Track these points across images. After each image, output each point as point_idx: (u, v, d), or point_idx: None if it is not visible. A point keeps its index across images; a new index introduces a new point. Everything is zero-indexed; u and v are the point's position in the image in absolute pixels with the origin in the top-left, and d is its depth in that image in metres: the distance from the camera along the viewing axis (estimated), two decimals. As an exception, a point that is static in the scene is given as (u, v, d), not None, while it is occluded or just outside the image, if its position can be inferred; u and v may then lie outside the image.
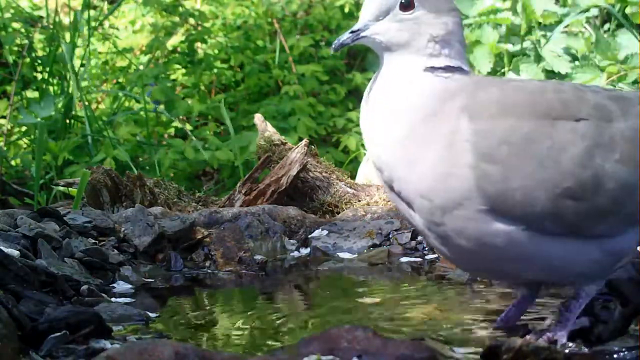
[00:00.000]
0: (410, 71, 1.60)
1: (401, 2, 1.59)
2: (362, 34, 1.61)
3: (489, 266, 1.61)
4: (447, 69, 1.60)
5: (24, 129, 4.06)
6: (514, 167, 1.50)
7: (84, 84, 4.18)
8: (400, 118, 1.57)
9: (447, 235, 1.56)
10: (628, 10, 4.07)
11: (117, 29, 5.14)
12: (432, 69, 1.60)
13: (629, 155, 1.52)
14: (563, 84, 1.64)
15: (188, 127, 4.31)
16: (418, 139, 1.55)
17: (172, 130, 4.43)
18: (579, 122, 1.53)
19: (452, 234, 1.55)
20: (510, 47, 4.05)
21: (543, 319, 1.73)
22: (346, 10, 4.92)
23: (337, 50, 1.65)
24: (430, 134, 1.54)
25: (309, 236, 2.48)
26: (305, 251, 2.43)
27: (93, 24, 4.53)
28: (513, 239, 1.52)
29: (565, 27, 4.09)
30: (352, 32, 1.62)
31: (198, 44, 4.85)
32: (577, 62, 3.91)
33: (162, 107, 4.24)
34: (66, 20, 4.48)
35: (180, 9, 4.85)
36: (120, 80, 4.65)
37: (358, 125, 4.38)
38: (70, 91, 3.99)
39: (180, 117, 4.35)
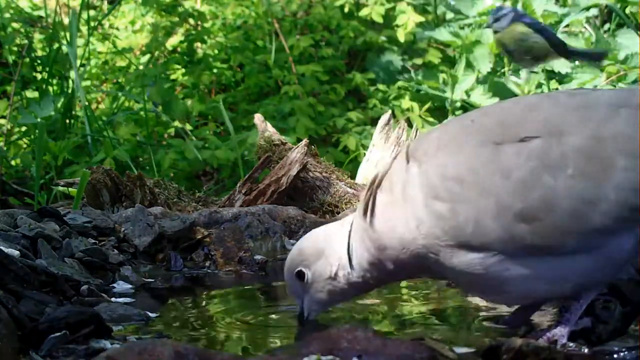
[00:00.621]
0: None
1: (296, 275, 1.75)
2: (310, 318, 1.79)
3: (486, 291, 1.62)
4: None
5: (24, 129, 4.06)
6: (459, 201, 1.51)
7: (84, 84, 4.18)
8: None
9: (440, 271, 1.61)
10: (628, 10, 4.08)
11: (117, 29, 5.14)
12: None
13: (585, 169, 1.48)
14: (520, 101, 1.64)
15: (188, 127, 4.31)
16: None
17: (172, 130, 4.43)
18: (522, 143, 1.50)
19: (440, 267, 1.59)
20: (510, 47, 4.05)
21: (544, 318, 1.73)
22: (346, 10, 4.92)
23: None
24: (392, 201, 1.61)
25: (309, 236, 2.48)
26: (305, 251, 2.43)
27: (93, 23, 4.53)
28: (490, 266, 1.53)
29: (565, 27, 4.09)
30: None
31: (198, 44, 4.84)
32: (577, 62, 3.91)
33: (159, 108, 4.24)
34: (66, 20, 4.48)
35: (180, 9, 4.85)
36: (120, 80, 4.65)
37: (358, 125, 4.40)
38: (70, 91, 3.99)
39: (178, 118, 4.35)
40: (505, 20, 3.36)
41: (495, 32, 3.41)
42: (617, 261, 1.55)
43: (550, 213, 1.48)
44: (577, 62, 3.91)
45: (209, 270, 2.29)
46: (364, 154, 3.28)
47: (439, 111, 4.47)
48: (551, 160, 1.48)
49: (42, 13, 4.87)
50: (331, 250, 1.72)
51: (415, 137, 3.15)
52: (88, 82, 4.60)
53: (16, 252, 1.94)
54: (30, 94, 4.35)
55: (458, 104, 4.26)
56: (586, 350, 1.55)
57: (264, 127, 3.10)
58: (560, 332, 1.56)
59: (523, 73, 3.83)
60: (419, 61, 4.78)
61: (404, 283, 2.19)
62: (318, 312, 1.78)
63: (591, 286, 1.58)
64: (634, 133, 1.48)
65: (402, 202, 1.58)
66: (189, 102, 4.51)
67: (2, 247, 1.89)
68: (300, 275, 1.74)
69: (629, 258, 1.56)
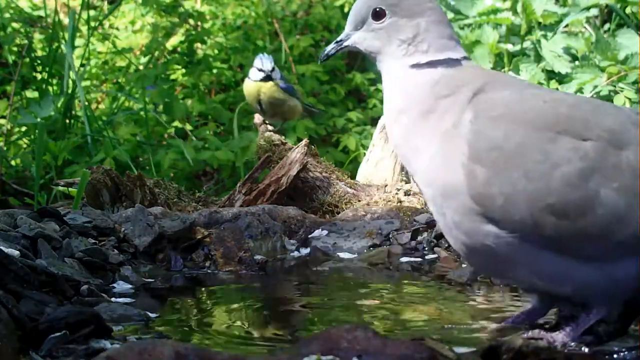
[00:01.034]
0: (393, 72, 1.67)
1: (373, 13, 1.67)
2: (344, 44, 1.73)
3: (489, 265, 1.62)
4: (431, 63, 1.64)
5: (24, 129, 4.07)
6: (500, 173, 1.50)
7: (84, 84, 4.18)
8: (400, 115, 1.63)
9: (450, 225, 1.59)
10: (628, 10, 4.08)
11: (117, 29, 5.14)
12: (415, 66, 1.65)
13: (629, 187, 1.48)
14: (591, 102, 1.62)
15: (188, 127, 4.31)
16: (419, 131, 1.60)
17: (172, 130, 4.43)
18: (583, 142, 1.50)
19: (452, 225, 1.58)
20: (510, 47, 4.05)
21: (546, 320, 1.73)
22: (346, 10, 4.92)
23: (323, 61, 1.79)
24: (430, 126, 1.59)
25: (309, 236, 2.48)
26: (305, 251, 2.43)
27: (93, 23, 4.53)
28: (501, 242, 1.53)
29: (565, 27, 4.09)
30: (336, 42, 1.74)
31: (198, 44, 4.85)
32: (577, 62, 3.91)
33: (160, 108, 4.24)
34: (66, 20, 4.48)
35: (180, 9, 4.85)
36: (120, 80, 4.65)
37: (358, 125, 4.41)
38: (70, 91, 3.99)
39: (178, 118, 4.35)
40: (276, 75, 3.44)
41: (271, 79, 3.43)
42: (622, 283, 1.53)
43: (582, 216, 1.48)
44: (577, 62, 3.92)
45: (209, 270, 2.29)
46: (364, 154, 3.28)
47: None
48: (603, 168, 1.49)
49: (42, 13, 4.87)
50: (423, 23, 1.66)
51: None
52: (88, 82, 4.60)
53: (16, 252, 1.94)
54: (30, 94, 4.36)
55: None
56: (586, 350, 1.55)
57: (264, 127, 3.10)
58: (562, 340, 1.56)
59: None
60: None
61: (403, 283, 2.19)
62: (352, 48, 1.72)
63: (592, 297, 1.57)
64: None
65: (440, 140, 1.56)
66: (189, 102, 4.51)
67: (2, 247, 1.89)
68: (379, 14, 1.67)
69: (632, 285, 1.54)
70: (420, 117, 1.61)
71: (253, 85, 3.40)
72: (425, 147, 1.59)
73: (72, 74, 4.04)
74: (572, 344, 1.57)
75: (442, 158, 1.56)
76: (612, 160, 1.49)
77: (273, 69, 3.42)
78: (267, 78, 3.39)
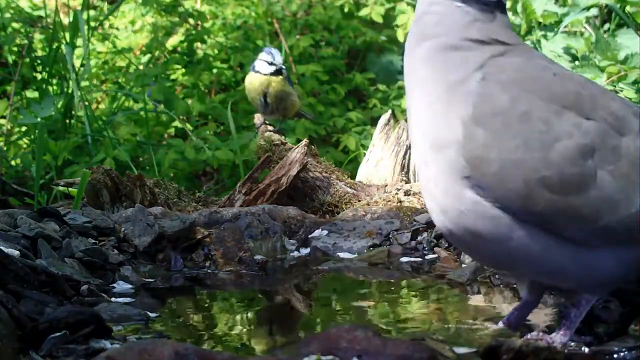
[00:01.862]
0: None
1: None
2: None
3: (459, 237, 1.56)
4: (493, 4, 1.58)
5: (24, 129, 4.06)
6: (500, 139, 1.46)
7: (84, 84, 4.18)
8: (424, 39, 1.57)
9: (430, 179, 1.54)
10: (628, 9, 4.07)
11: (117, 29, 5.14)
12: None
13: (624, 173, 1.47)
14: (598, 85, 1.59)
15: (188, 127, 4.31)
16: (432, 65, 1.55)
17: (172, 130, 4.43)
18: (586, 120, 1.48)
19: (433, 180, 1.54)
20: (510, 47, 4.04)
21: (542, 318, 1.73)
22: (346, 10, 4.92)
23: None
24: (444, 67, 1.54)
25: (309, 236, 2.48)
26: (305, 251, 2.43)
27: (93, 24, 4.53)
28: (479, 212, 1.49)
29: (565, 27, 4.09)
30: None
31: (198, 44, 4.85)
32: (577, 62, 3.91)
33: (161, 106, 4.24)
34: (66, 20, 4.48)
35: (180, 9, 4.85)
36: (120, 80, 4.65)
37: (358, 125, 4.41)
38: (70, 91, 3.99)
39: (180, 117, 4.35)
40: (275, 68, 3.39)
41: (281, 73, 3.38)
42: (604, 271, 1.52)
43: (575, 194, 1.45)
44: (577, 62, 3.92)
45: (209, 270, 2.29)
46: (364, 154, 3.28)
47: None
48: (602, 149, 1.46)
49: (42, 13, 4.87)
50: None
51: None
52: (88, 82, 4.59)
53: (16, 252, 1.94)
54: (31, 94, 4.36)
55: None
56: (586, 350, 1.55)
57: (264, 128, 3.10)
58: (560, 340, 1.55)
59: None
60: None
61: (403, 283, 2.19)
62: None
63: (576, 282, 1.55)
64: None
65: (445, 88, 1.53)
66: (189, 101, 4.51)
67: (2, 247, 1.89)
68: None
69: (617, 274, 1.52)
70: (441, 50, 1.55)
71: (261, 78, 3.37)
72: (431, 86, 1.54)
73: (72, 74, 4.04)
74: (572, 343, 1.57)
75: (442, 110, 1.52)
76: (612, 144, 1.48)
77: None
78: (278, 72, 3.37)
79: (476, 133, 1.48)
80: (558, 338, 1.55)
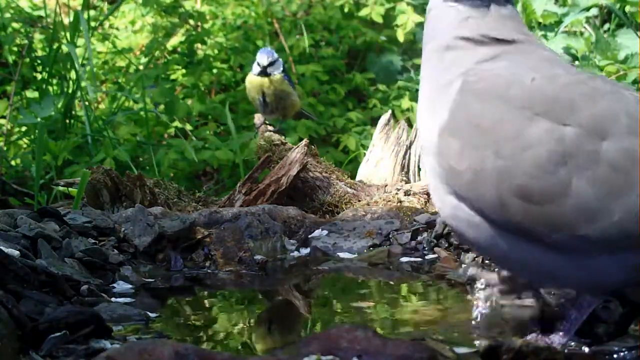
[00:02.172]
0: (432, 1, 1.61)
1: None
2: None
3: (459, 234, 1.57)
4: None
5: (24, 129, 4.07)
6: (472, 149, 1.45)
7: (84, 84, 4.18)
8: (425, 45, 1.60)
9: (430, 187, 1.57)
10: (627, 10, 4.08)
11: (117, 29, 5.14)
12: None
13: (603, 179, 1.40)
14: (591, 84, 1.49)
15: (188, 127, 4.31)
16: (430, 64, 1.58)
17: (172, 130, 4.43)
18: (561, 126, 1.42)
19: (430, 185, 1.57)
20: (510, 47, 4.04)
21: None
22: (346, 10, 4.93)
23: None
24: (440, 66, 1.56)
25: (309, 236, 2.48)
26: (305, 251, 2.43)
27: (93, 24, 4.53)
28: (464, 218, 1.49)
29: (565, 27, 4.09)
30: None
31: (198, 45, 4.85)
32: (577, 62, 3.91)
33: (161, 107, 4.24)
34: (66, 20, 4.48)
35: (180, 9, 4.85)
36: (120, 80, 4.65)
37: (358, 125, 4.41)
38: (70, 91, 3.99)
39: (180, 118, 4.35)
40: (277, 68, 3.39)
41: (267, 75, 3.38)
42: (599, 278, 1.48)
43: (550, 203, 1.41)
44: (577, 62, 3.92)
45: (209, 270, 2.29)
46: (364, 154, 3.28)
47: (439, 111, 4.46)
48: (578, 156, 1.40)
49: (42, 13, 4.87)
50: None
51: (415, 137, 3.15)
52: (88, 82, 4.59)
53: (16, 252, 1.94)
54: (31, 94, 4.35)
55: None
56: (586, 350, 1.55)
57: (264, 128, 3.10)
58: (559, 341, 1.55)
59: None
60: (419, 61, 4.78)
61: (403, 283, 2.19)
62: None
63: (584, 289, 1.53)
64: None
65: (435, 86, 1.54)
66: (189, 102, 4.52)
67: (2, 247, 1.89)
68: None
69: (613, 282, 1.48)
70: (438, 50, 1.56)
71: (258, 78, 3.38)
72: (427, 87, 1.56)
73: (73, 74, 4.05)
74: (572, 343, 1.57)
75: (427, 115, 1.53)
76: (589, 149, 1.41)
77: (270, 64, 3.39)
78: (264, 73, 3.38)
79: (450, 143, 1.48)
80: (557, 339, 1.55)
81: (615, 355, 1.52)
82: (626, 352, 1.52)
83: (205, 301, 2.07)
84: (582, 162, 1.41)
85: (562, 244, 1.43)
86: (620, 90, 1.50)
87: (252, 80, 3.39)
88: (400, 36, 4.68)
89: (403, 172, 3.07)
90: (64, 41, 4.10)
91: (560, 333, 1.55)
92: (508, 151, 1.43)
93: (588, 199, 1.40)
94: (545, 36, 4.01)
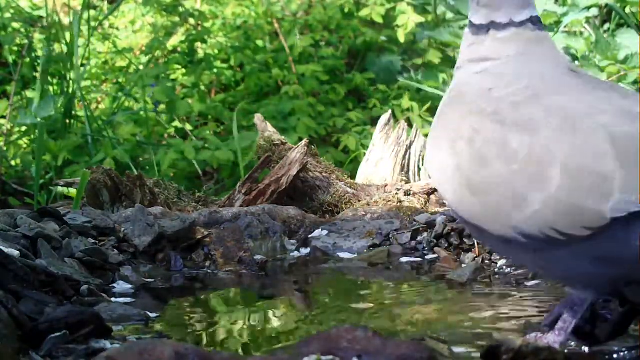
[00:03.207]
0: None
1: None
2: None
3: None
4: (475, 26, 1.66)
5: (24, 129, 4.06)
6: (437, 149, 1.60)
7: (84, 84, 4.18)
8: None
9: None
10: (628, 10, 4.07)
11: (117, 29, 5.14)
12: (470, 25, 1.67)
13: (527, 170, 1.47)
14: (549, 83, 1.58)
15: (188, 127, 4.31)
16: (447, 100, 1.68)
17: (172, 130, 4.43)
18: (503, 127, 1.51)
19: None
20: (510, 47, 4.04)
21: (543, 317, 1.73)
22: (346, 10, 4.92)
23: None
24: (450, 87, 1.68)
25: (309, 236, 2.48)
26: (305, 251, 2.43)
27: (93, 24, 4.53)
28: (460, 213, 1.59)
29: (565, 27, 4.09)
30: None
31: (198, 44, 4.84)
32: (577, 62, 3.91)
33: (162, 106, 4.24)
34: (66, 20, 4.48)
35: (180, 9, 4.84)
36: (120, 80, 4.65)
37: (358, 125, 4.40)
38: (70, 91, 3.99)
39: (181, 117, 4.35)
40: None
41: None
42: (567, 270, 1.52)
43: (485, 195, 1.50)
44: (577, 62, 3.92)
45: (209, 270, 2.29)
46: (364, 154, 3.28)
47: (439, 111, 4.46)
48: (508, 148, 1.49)
49: (42, 13, 4.87)
50: None
51: (415, 136, 3.15)
52: (88, 82, 4.59)
53: (16, 252, 1.94)
54: (31, 94, 4.35)
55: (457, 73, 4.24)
56: (586, 350, 1.55)
57: (264, 127, 3.10)
58: (554, 340, 1.56)
59: None
60: (419, 61, 4.78)
61: (403, 283, 2.19)
62: None
63: (567, 283, 1.57)
64: (589, 159, 1.43)
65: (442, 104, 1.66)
66: (189, 101, 4.51)
67: (2, 247, 1.89)
68: None
69: (584, 274, 1.51)
70: (455, 69, 1.70)
71: None
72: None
73: (72, 74, 4.05)
74: (573, 343, 1.57)
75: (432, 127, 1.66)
76: (517, 140, 1.48)
77: None
78: None
79: (430, 146, 1.62)
80: (552, 338, 1.55)
81: (615, 355, 1.52)
82: (626, 352, 1.52)
83: (205, 301, 2.07)
84: (510, 155, 1.48)
85: (507, 237, 1.50)
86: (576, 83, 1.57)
87: None
88: (401, 36, 4.68)
89: (403, 172, 3.07)
90: (64, 41, 4.10)
91: (555, 332, 1.56)
92: (460, 150, 1.54)
93: (514, 189, 1.47)
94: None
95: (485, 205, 1.51)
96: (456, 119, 1.57)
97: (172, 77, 4.69)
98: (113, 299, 1.97)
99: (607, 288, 1.54)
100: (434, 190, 2.78)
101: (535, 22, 1.64)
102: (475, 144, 1.52)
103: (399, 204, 2.72)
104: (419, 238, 2.44)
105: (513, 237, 1.49)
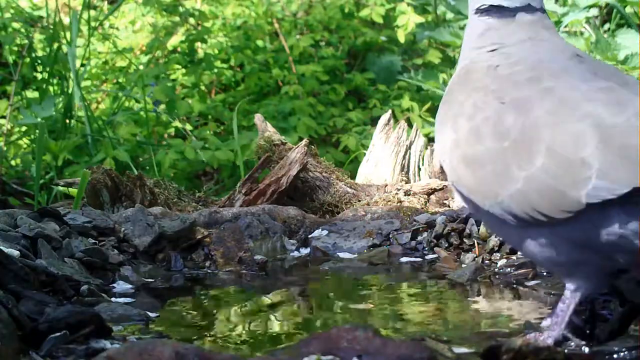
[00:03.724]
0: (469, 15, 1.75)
1: None
2: None
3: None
4: (484, 10, 1.70)
5: (24, 129, 4.06)
6: (441, 124, 1.67)
7: (84, 84, 4.18)
8: (460, 62, 1.77)
9: None
10: (628, 10, 4.07)
11: (117, 29, 5.14)
12: (477, 10, 1.71)
13: (516, 148, 1.51)
14: (546, 68, 1.61)
15: (188, 127, 4.31)
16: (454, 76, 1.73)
17: (172, 130, 4.43)
18: (499, 104, 1.56)
19: None
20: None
21: (542, 317, 1.73)
22: (346, 10, 4.92)
23: None
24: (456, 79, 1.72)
25: (309, 236, 2.48)
26: (305, 251, 2.43)
27: (93, 24, 4.53)
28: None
29: (565, 27, 4.09)
30: None
31: (198, 44, 4.84)
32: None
33: (162, 106, 4.24)
34: (66, 20, 4.48)
35: (181, 9, 4.84)
36: (120, 80, 4.65)
37: (358, 125, 4.40)
38: (70, 91, 3.99)
39: (181, 117, 4.35)
40: None
41: None
42: (545, 252, 1.55)
43: (480, 168, 1.54)
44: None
45: (209, 270, 2.30)
46: (364, 154, 3.28)
47: (439, 111, 4.46)
48: (502, 126, 1.53)
49: (42, 13, 4.87)
50: None
51: (415, 136, 3.15)
52: (88, 82, 4.59)
53: (16, 252, 1.94)
54: (31, 94, 4.35)
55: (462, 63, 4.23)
56: (586, 350, 1.55)
57: (264, 127, 3.10)
58: (548, 335, 1.56)
59: None
60: (419, 61, 4.78)
61: (403, 283, 2.19)
62: None
63: (545, 266, 1.63)
64: (571, 145, 1.47)
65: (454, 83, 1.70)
66: (189, 101, 4.51)
67: (2, 247, 1.89)
68: None
69: (563, 258, 1.54)
70: (460, 62, 1.74)
71: None
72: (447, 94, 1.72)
73: (72, 74, 4.04)
74: (573, 343, 1.57)
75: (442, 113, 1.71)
76: (509, 120, 1.53)
77: None
78: None
79: (436, 125, 1.69)
80: (546, 334, 1.57)
81: (615, 355, 1.52)
82: (626, 352, 1.52)
83: (205, 301, 2.07)
84: (503, 132, 1.53)
85: (496, 215, 1.55)
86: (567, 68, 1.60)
87: None
88: (401, 37, 4.68)
89: (403, 172, 3.07)
90: (64, 41, 4.10)
91: (549, 329, 1.56)
92: (460, 125, 1.59)
93: (505, 168, 1.52)
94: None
95: (477, 179, 1.55)
96: (461, 96, 1.62)
97: (172, 77, 4.69)
98: (113, 299, 1.97)
99: (594, 278, 1.55)
100: (434, 190, 2.78)
101: (544, 10, 1.71)
102: (474, 120, 1.56)
103: (399, 204, 2.72)
104: (419, 238, 2.44)
105: (501, 214, 1.54)
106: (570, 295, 1.56)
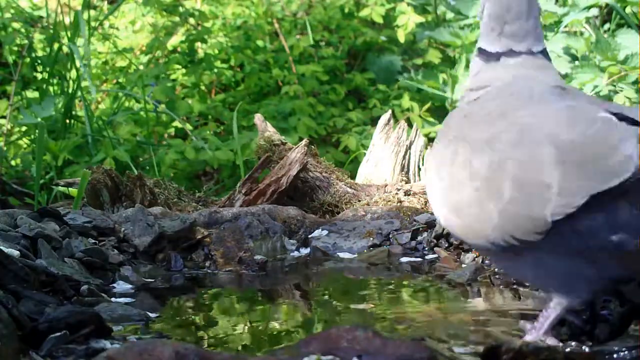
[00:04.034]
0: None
1: None
2: None
3: None
4: (481, 51, 1.72)
5: (24, 129, 4.06)
6: (429, 171, 1.72)
7: (84, 84, 4.18)
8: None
9: None
10: (628, 10, 4.07)
11: (117, 29, 5.14)
12: (480, 50, 1.73)
13: (484, 187, 1.55)
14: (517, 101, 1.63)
15: (188, 127, 4.31)
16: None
17: (172, 130, 4.43)
18: (472, 151, 1.59)
19: None
20: (510, 47, 4.03)
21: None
22: (346, 10, 4.92)
23: None
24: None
25: (309, 236, 2.48)
26: (305, 251, 2.43)
27: (93, 24, 4.53)
28: None
29: (565, 27, 4.09)
30: None
31: (198, 44, 4.84)
32: (577, 62, 3.91)
33: (163, 106, 4.24)
34: (67, 20, 4.48)
35: (181, 9, 4.84)
36: (121, 80, 4.65)
37: (358, 125, 4.40)
38: (70, 91, 3.99)
39: (181, 117, 4.35)
40: None
41: None
42: (530, 274, 1.59)
43: (462, 214, 1.58)
44: (577, 62, 3.92)
45: (209, 270, 2.30)
46: (364, 154, 3.28)
47: (439, 111, 4.47)
48: (473, 168, 1.57)
49: (42, 13, 4.87)
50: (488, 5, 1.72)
51: (415, 136, 3.15)
52: (89, 82, 4.59)
53: (16, 252, 1.94)
54: (31, 94, 4.35)
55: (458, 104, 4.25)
56: (586, 350, 1.55)
57: (264, 127, 3.10)
58: (530, 338, 1.57)
59: None
60: (419, 61, 4.78)
61: (403, 283, 2.19)
62: None
63: (540, 287, 1.65)
64: (532, 170, 1.50)
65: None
66: (189, 101, 4.51)
67: (2, 247, 1.89)
68: None
69: (553, 279, 1.56)
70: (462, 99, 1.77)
71: None
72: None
73: (73, 74, 4.04)
74: (573, 343, 1.57)
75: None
76: (477, 162, 1.56)
77: None
78: None
79: (426, 179, 1.75)
80: (527, 337, 1.58)
81: (615, 355, 1.52)
82: (626, 352, 1.52)
83: (205, 301, 2.07)
84: (473, 175, 1.57)
85: (485, 248, 1.59)
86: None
87: None
88: (401, 37, 4.68)
89: (403, 172, 3.07)
90: (65, 41, 4.10)
91: (533, 330, 1.58)
92: (443, 174, 1.63)
93: (479, 206, 1.56)
94: (545, 36, 4.00)
95: (464, 222, 1.59)
96: (442, 146, 1.66)
97: (172, 77, 4.69)
98: (113, 299, 1.97)
99: (581, 292, 1.57)
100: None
101: (545, 54, 1.72)
102: (452, 168, 1.61)
103: (399, 204, 2.72)
104: (419, 238, 2.44)
105: (490, 247, 1.57)
106: (555, 306, 1.58)
